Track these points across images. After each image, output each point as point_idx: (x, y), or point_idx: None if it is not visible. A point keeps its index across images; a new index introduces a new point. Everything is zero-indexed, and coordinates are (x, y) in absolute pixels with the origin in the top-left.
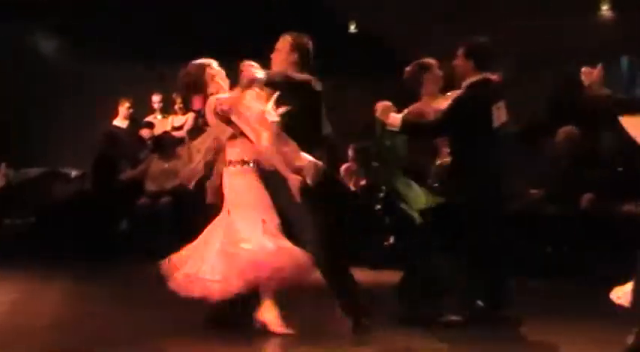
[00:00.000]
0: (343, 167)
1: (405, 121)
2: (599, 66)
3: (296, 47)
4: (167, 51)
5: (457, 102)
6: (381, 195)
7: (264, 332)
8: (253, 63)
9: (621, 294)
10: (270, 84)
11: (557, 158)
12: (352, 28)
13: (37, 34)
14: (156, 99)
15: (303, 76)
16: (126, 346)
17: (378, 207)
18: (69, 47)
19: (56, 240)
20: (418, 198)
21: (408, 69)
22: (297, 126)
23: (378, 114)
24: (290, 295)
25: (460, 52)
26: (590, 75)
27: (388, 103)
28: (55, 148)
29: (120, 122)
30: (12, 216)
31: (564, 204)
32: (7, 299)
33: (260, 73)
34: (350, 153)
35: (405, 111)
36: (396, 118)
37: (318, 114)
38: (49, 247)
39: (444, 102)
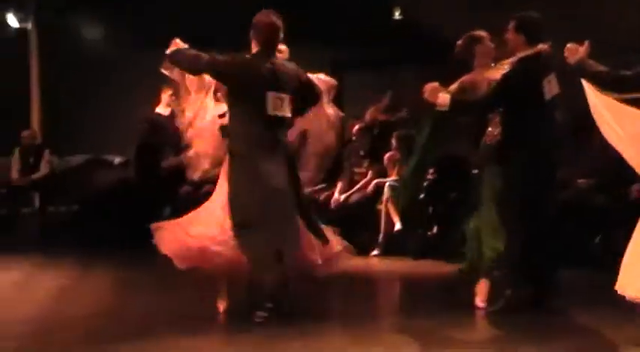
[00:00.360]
0: (386, 156)
1: (454, 99)
2: (586, 42)
3: (253, 23)
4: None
5: (507, 78)
6: (425, 183)
7: (302, 321)
8: (178, 41)
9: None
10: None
11: (606, 147)
12: (397, 15)
13: (86, 22)
14: None
15: (197, 56)
16: (169, 333)
17: (422, 195)
18: (114, 35)
19: (99, 228)
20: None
21: (459, 42)
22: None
23: (426, 95)
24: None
25: (511, 25)
26: (575, 51)
27: (436, 84)
28: (99, 136)
29: (162, 110)
30: (56, 203)
31: (613, 194)
32: (53, 285)
33: (168, 51)
34: (393, 141)
35: (458, 81)
36: (445, 97)
37: (236, 93)
38: (93, 234)
39: (496, 73)
